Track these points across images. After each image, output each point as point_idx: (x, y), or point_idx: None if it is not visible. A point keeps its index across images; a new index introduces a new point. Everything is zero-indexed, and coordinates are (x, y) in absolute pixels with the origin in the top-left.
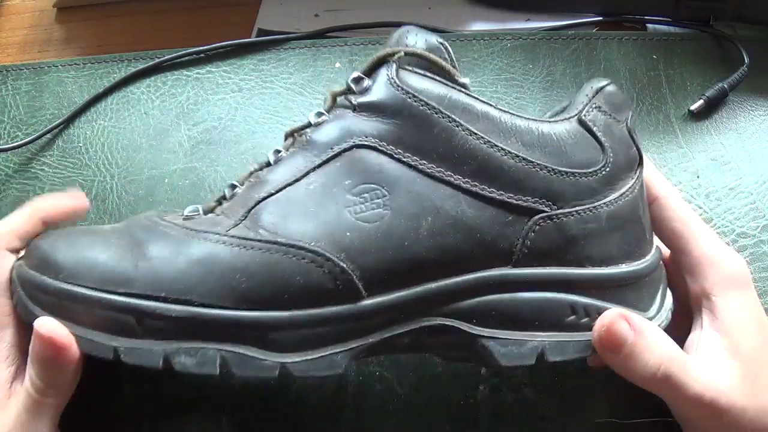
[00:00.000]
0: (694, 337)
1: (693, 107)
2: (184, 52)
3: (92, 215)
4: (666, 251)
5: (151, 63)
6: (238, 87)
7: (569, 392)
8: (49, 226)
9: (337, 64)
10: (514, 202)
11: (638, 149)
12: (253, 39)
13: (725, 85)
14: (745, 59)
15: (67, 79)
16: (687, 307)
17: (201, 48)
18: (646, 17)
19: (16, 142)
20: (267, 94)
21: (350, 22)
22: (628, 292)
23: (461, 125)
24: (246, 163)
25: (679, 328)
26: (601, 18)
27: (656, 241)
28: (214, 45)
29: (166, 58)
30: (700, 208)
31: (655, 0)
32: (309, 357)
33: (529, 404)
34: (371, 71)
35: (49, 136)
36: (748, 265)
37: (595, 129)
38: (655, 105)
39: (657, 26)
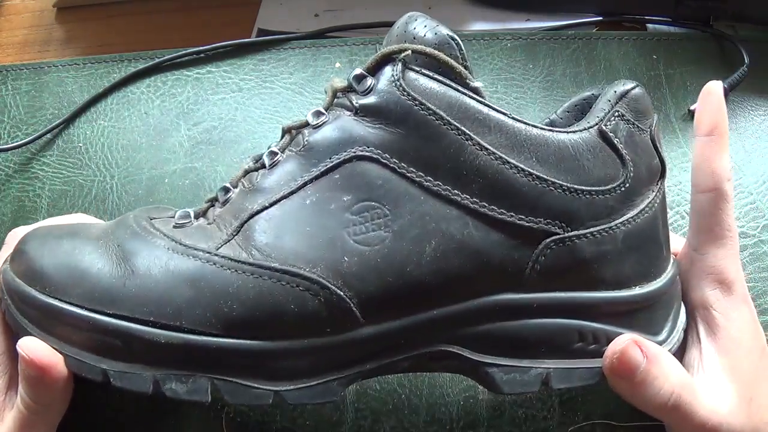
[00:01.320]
0: (694, 355)
1: (693, 107)
2: (184, 52)
3: (92, 215)
4: (680, 244)
5: (151, 63)
6: (238, 87)
7: (568, 393)
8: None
9: (337, 64)
10: (525, 224)
11: (661, 160)
12: (253, 39)
13: (725, 85)
14: (745, 59)
15: (67, 79)
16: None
17: (201, 48)
18: (646, 17)
19: (16, 142)
20: (267, 94)
21: (350, 22)
22: (641, 315)
23: (471, 138)
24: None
25: None
26: (601, 18)
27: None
28: (214, 45)
29: (166, 58)
30: None
31: (655, 0)
32: (303, 385)
33: (529, 404)
34: (375, 69)
35: (49, 136)
36: (748, 265)
37: (616, 141)
38: (655, 105)
39: (657, 26)
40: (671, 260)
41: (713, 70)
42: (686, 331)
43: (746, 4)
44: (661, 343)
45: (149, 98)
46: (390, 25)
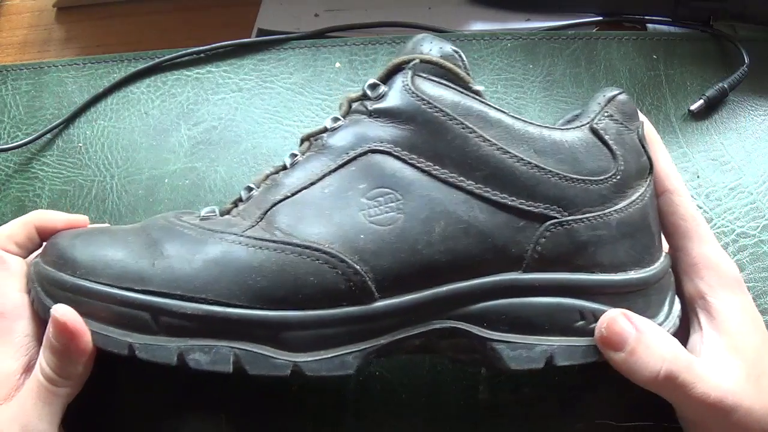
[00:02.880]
0: (695, 339)
1: (693, 107)
2: (184, 52)
3: (92, 215)
4: (665, 246)
5: (151, 63)
6: (238, 87)
7: (569, 393)
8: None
9: (337, 64)
10: (526, 208)
11: (649, 158)
12: (253, 39)
13: (725, 85)
14: (745, 59)
15: (67, 79)
16: (683, 305)
17: (201, 48)
18: (646, 17)
19: (16, 142)
20: (267, 94)
21: (350, 22)
22: (637, 298)
23: (474, 132)
24: (246, 163)
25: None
26: (601, 18)
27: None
28: (214, 45)
29: (166, 58)
30: (700, 208)
31: (655, 0)
32: (321, 357)
33: (529, 404)
34: (387, 78)
35: (49, 136)
36: (748, 265)
37: (606, 137)
38: (655, 105)
39: (657, 26)
40: (664, 253)
41: (713, 70)
42: (689, 323)
43: (746, 4)
44: (659, 325)
45: (149, 98)
46: (390, 25)
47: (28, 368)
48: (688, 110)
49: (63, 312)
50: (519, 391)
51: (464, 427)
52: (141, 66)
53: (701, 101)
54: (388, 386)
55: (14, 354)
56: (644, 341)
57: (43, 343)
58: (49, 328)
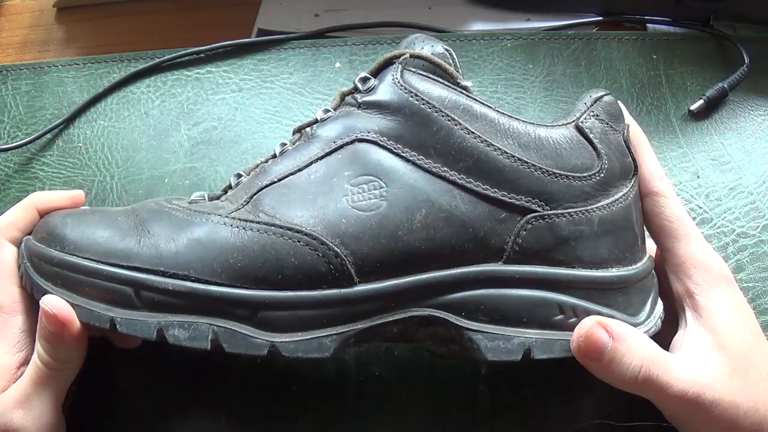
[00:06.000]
0: (678, 336)
1: (693, 107)
2: (184, 52)
3: None
4: (653, 248)
5: (151, 63)
6: (238, 87)
7: (568, 393)
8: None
9: (337, 64)
10: (508, 200)
11: (633, 160)
12: (253, 39)
13: (725, 85)
14: (745, 59)
15: (67, 79)
16: (672, 306)
17: (201, 48)
18: (646, 17)
19: (16, 142)
20: (267, 94)
21: (350, 22)
22: (618, 296)
23: (460, 124)
24: (246, 163)
25: (666, 327)
26: (601, 18)
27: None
28: (214, 45)
29: (166, 58)
30: (700, 208)
31: (655, 0)
32: (298, 338)
33: (529, 404)
34: (378, 72)
35: (49, 136)
36: (748, 265)
37: (591, 135)
38: (655, 105)
39: (657, 26)
40: (647, 254)
41: (713, 70)
42: (677, 323)
43: (746, 4)
44: (638, 325)
45: (149, 98)
46: (390, 25)
47: (25, 363)
48: (688, 110)
49: (53, 304)
50: (519, 391)
51: (464, 427)
52: (141, 66)
53: (701, 101)
54: (388, 386)
55: (11, 349)
56: (620, 349)
57: (38, 332)
58: (40, 317)
